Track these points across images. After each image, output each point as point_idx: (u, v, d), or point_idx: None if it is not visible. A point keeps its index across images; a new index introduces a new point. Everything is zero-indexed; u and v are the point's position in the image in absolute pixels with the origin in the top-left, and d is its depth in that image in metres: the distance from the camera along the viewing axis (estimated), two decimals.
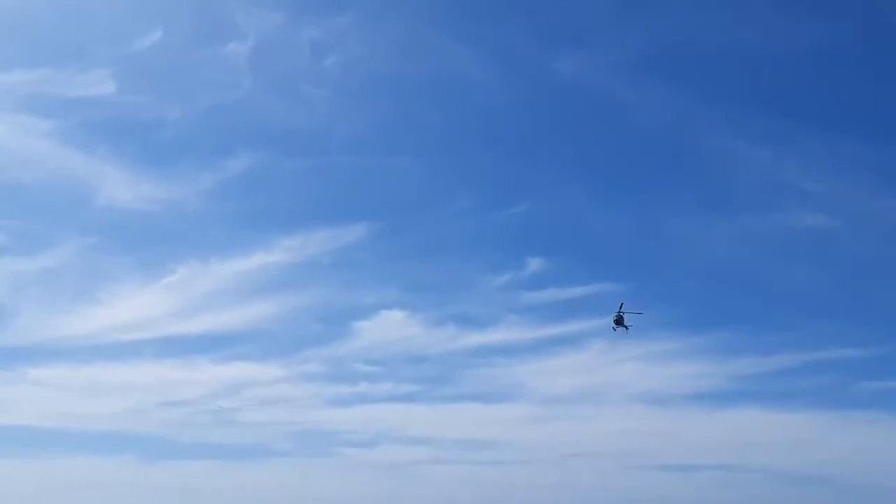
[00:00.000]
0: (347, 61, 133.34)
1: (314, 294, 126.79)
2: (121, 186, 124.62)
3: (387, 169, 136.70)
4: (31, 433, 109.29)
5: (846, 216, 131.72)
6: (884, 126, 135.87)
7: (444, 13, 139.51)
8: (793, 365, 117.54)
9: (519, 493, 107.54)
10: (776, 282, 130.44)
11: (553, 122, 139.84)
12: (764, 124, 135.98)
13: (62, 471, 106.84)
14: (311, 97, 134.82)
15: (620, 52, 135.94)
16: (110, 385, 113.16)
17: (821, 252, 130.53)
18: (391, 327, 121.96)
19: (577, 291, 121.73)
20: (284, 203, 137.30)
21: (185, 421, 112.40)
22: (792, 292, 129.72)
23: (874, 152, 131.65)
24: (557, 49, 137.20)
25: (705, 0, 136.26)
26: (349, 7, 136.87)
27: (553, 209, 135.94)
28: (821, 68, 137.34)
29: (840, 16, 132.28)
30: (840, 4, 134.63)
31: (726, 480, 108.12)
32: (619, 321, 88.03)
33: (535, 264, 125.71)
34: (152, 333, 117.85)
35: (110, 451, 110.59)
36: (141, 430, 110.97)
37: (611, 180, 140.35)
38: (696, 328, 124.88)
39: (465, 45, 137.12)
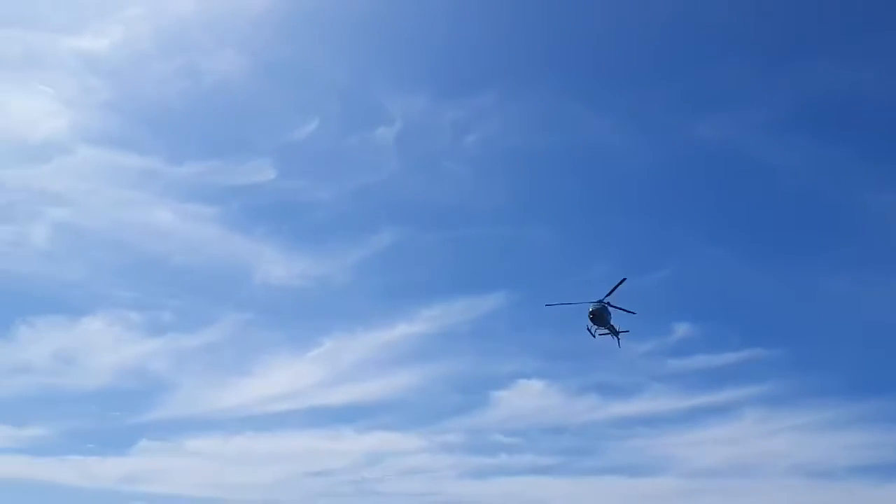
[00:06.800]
0: (487, 138, 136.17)
1: (453, 363, 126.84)
2: (276, 265, 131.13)
3: (525, 238, 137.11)
4: (187, 502, 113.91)
5: None
6: None
7: (583, 85, 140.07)
8: None
9: None
10: None
11: (696, 185, 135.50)
12: None
13: None
14: (452, 173, 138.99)
15: (766, 112, 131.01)
16: (259, 455, 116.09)
17: None
18: (530, 397, 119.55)
19: (727, 358, 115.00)
20: (425, 275, 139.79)
21: (330, 491, 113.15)
22: None
23: None
24: (699, 112, 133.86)
25: (850, 54, 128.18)
26: (489, 87, 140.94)
27: (699, 273, 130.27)
28: None
29: None
30: None
31: None
32: (597, 317, 60.23)
33: (681, 330, 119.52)
34: (299, 404, 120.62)
35: None
36: (288, 500, 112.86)
37: (760, 241, 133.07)
38: (858, 394, 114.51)
39: (604, 114, 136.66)
